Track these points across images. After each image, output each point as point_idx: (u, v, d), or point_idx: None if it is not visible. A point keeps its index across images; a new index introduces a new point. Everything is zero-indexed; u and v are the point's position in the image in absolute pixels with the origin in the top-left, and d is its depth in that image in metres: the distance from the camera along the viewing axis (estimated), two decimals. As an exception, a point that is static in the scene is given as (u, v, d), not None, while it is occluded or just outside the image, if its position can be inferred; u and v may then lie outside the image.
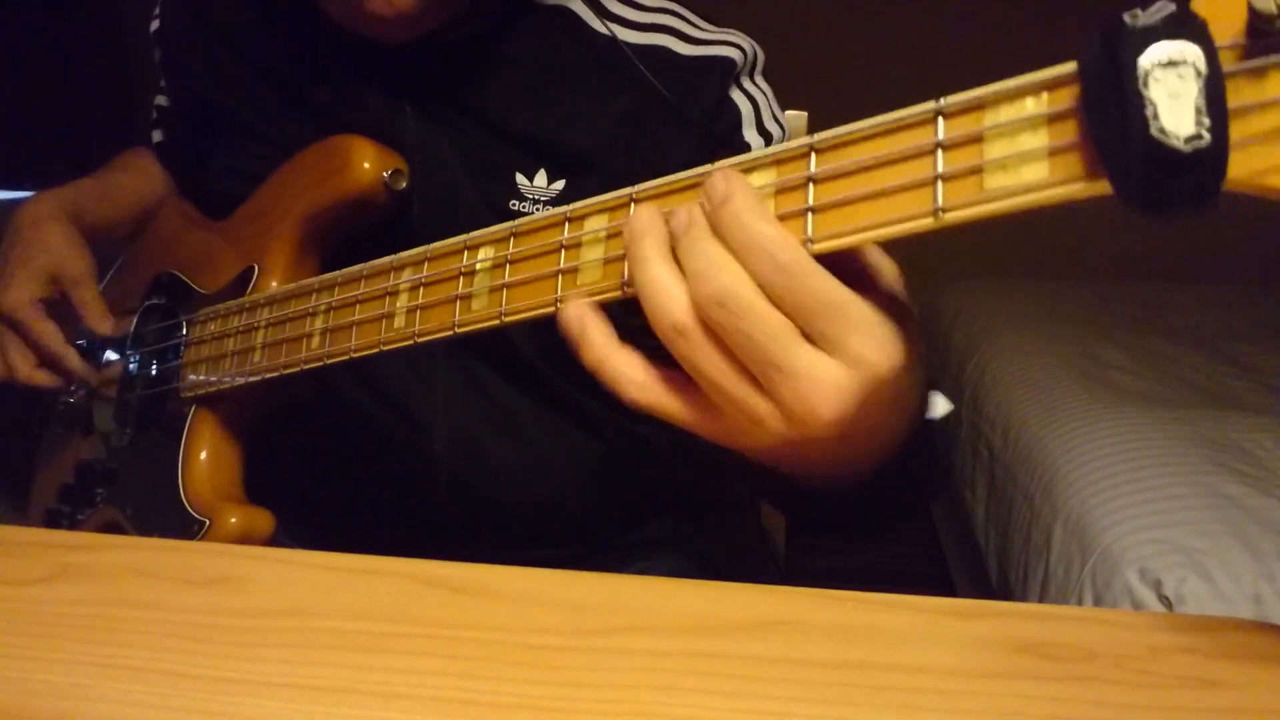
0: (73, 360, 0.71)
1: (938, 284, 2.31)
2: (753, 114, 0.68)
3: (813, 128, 0.92)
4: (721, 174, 0.35)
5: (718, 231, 0.34)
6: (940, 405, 0.48)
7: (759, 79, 0.70)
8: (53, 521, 0.74)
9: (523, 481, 0.70)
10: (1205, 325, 1.94)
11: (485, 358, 0.68)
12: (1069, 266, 2.34)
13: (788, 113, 0.90)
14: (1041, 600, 1.30)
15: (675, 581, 0.41)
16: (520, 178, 0.64)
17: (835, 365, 0.34)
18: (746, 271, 0.34)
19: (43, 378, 0.72)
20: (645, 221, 0.37)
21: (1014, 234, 2.36)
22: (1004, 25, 2.19)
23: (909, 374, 0.36)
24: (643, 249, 0.36)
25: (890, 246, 0.36)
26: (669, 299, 0.35)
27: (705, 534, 0.82)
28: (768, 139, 0.69)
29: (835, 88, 2.18)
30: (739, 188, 0.35)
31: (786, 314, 0.34)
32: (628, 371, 0.37)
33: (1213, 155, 0.28)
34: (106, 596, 0.41)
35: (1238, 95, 0.29)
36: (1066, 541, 1.28)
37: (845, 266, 0.36)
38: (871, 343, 0.34)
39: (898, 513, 0.52)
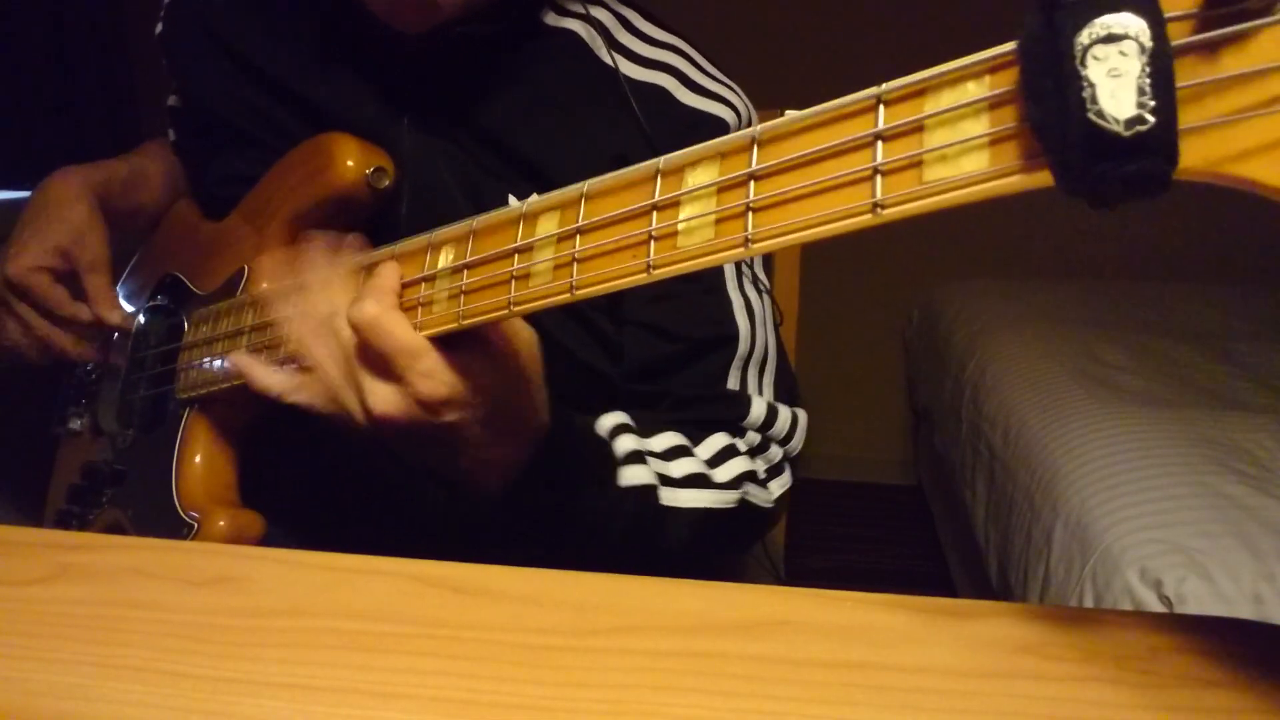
0: (84, 314, 0.72)
1: (938, 284, 2.31)
2: None
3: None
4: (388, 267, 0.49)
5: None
6: (630, 476, 0.60)
7: None
8: (63, 522, 0.75)
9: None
10: (1205, 325, 1.94)
11: None
12: (1069, 266, 2.35)
13: (788, 112, 0.91)
14: (1042, 600, 1.30)
15: (675, 581, 0.41)
16: (513, 200, 0.64)
17: (394, 390, 0.48)
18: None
19: (59, 337, 0.72)
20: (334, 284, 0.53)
21: (1014, 234, 2.36)
22: (1006, 25, 2.19)
23: (473, 419, 0.49)
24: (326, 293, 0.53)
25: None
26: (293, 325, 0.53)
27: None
28: None
29: (835, 87, 2.18)
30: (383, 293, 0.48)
31: (379, 351, 0.47)
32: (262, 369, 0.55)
33: (1159, 140, 0.25)
34: (106, 596, 0.41)
35: (1190, 73, 0.25)
36: (1067, 541, 1.27)
37: (487, 334, 0.48)
38: (428, 383, 0.47)
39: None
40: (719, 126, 0.67)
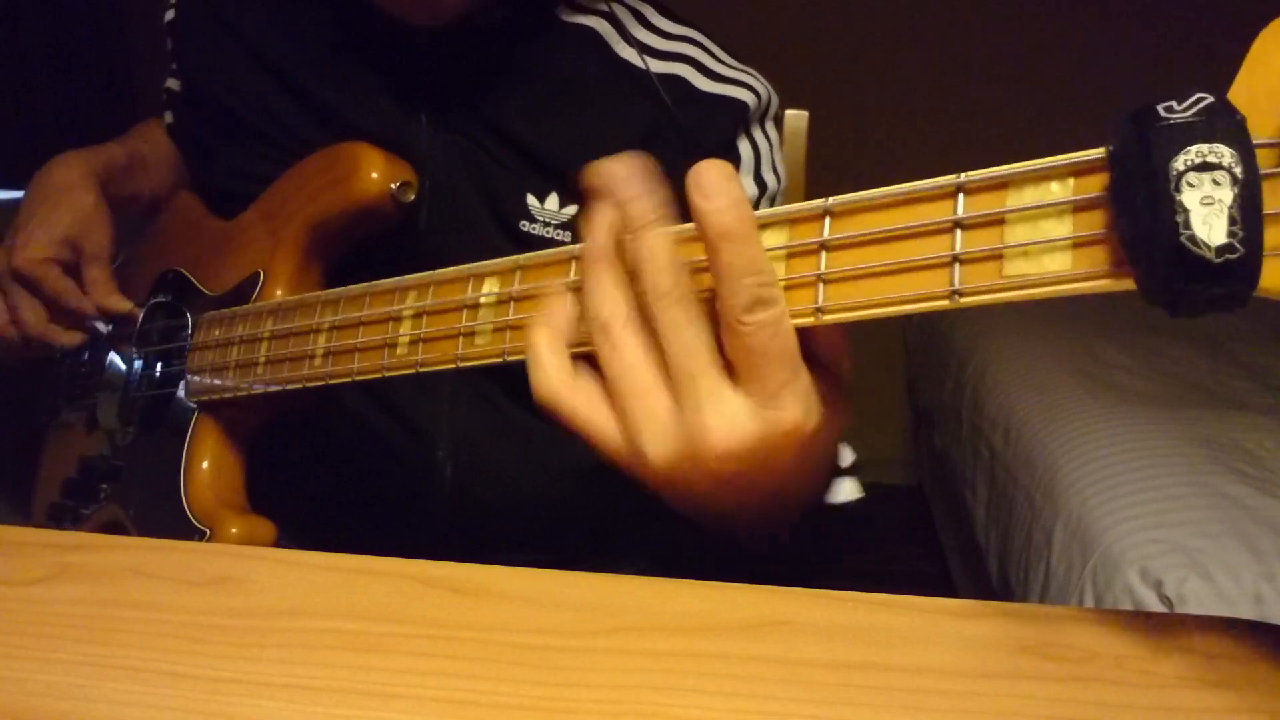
0: (89, 308, 0.71)
1: (938, 284, 2.31)
2: (753, 162, 0.68)
3: (813, 127, 0.92)
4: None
5: (706, 233, 0.34)
6: (844, 492, 0.53)
7: (769, 126, 0.71)
8: (56, 517, 0.74)
9: (524, 486, 0.70)
10: (1205, 325, 1.94)
11: (487, 371, 0.68)
12: (1069, 266, 2.34)
13: (788, 111, 0.91)
14: (1042, 600, 1.30)
15: (675, 582, 0.41)
16: (531, 199, 0.64)
17: (746, 402, 0.34)
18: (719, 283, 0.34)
19: (56, 333, 0.72)
20: (603, 229, 0.37)
21: (1014, 234, 2.35)
22: (1005, 24, 2.19)
23: (812, 453, 0.37)
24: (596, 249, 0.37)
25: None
26: (610, 291, 0.36)
27: (704, 537, 0.82)
28: (763, 188, 0.69)
29: (836, 87, 2.18)
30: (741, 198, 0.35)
31: (765, 353, 0.34)
32: (548, 355, 0.38)
33: (1245, 267, 0.26)
34: (106, 596, 0.41)
35: (1274, 198, 0.27)
36: (1067, 541, 1.27)
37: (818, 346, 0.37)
38: (795, 401, 0.34)
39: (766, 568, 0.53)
40: (740, 109, 0.67)
